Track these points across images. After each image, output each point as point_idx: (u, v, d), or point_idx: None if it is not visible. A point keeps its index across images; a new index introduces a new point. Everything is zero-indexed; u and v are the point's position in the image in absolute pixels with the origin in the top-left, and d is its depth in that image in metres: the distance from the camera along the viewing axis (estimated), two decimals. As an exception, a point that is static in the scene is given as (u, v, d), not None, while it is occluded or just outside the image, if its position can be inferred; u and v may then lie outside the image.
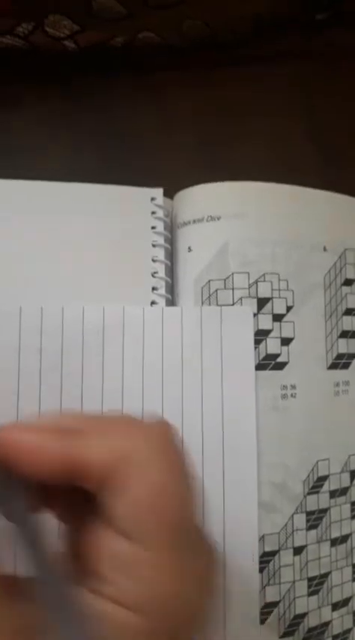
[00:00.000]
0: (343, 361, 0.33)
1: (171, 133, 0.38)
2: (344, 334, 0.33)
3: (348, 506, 0.33)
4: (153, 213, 0.33)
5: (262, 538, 0.30)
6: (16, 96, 0.36)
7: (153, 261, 0.32)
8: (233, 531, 0.29)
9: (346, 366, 0.33)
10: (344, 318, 0.33)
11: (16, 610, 0.17)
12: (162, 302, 0.32)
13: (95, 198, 0.32)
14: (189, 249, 0.32)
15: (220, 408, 0.30)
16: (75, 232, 0.32)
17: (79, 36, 0.36)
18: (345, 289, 0.34)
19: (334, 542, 0.32)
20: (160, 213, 0.33)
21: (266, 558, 0.30)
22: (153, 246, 0.33)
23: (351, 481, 0.33)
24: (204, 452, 0.30)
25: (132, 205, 0.33)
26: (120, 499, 0.17)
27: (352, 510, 0.33)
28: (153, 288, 0.32)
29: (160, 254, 0.33)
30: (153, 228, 0.33)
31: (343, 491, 0.32)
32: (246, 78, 0.40)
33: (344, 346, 0.33)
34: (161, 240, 0.33)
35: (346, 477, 0.33)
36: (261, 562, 0.30)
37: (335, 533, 0.32)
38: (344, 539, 0.32)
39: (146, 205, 0.33)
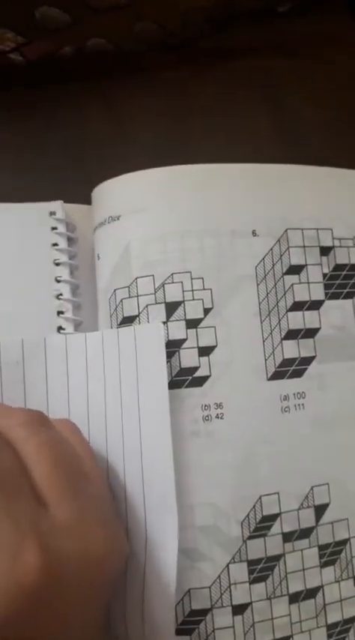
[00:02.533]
0: (292, 368, 0.26)
1: (126, 138, 0.35)
2: (293, 334, 0.27)
3: (314, 551, 0.26)
4: (53, 228, 0.30)
5: (188, 593, 0.25)
6: None
7: (57, 281, 0.29)
8: (152, 580, 0.24)
9: (298, 373, 0.27)
10: (291, 314, 0.27)
11: None
12: (69, 326, 0.29)
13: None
14: (98, 257, 0.29)
15: (138, 438, 0.25)
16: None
17: (26, 48, 0.35)
18: (290, 279, 0.27)
19: (295, 599, 0.25)
20: (62, 228, 0.30)
21: (194, 618, 0.24)
22: (57, 264, 0.29)
23: (317, 520, 0.26)
24: (126, 492, 0.25)
25: (29, 222, 0.30)
26: None
27: (321, 557, 0.26)
28: (59, 312, 0.29)
29: (64, 273, 0.29)
30: (54, 245, 0.30)
31: (304, 533, 0.26)
32: (206, 76, 0.36)
33: (293, 350, 0.27)
34: (64, 258, 0.29)
35: (308, 514, 0.26)
36: (187, 622, 0.24)
37: (296, 587, 0.25)
38: (310, 593, 0.25)
39: (45, 221, 0.30)
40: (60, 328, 0.29)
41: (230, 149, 0.33)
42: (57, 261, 0.30)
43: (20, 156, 0.34)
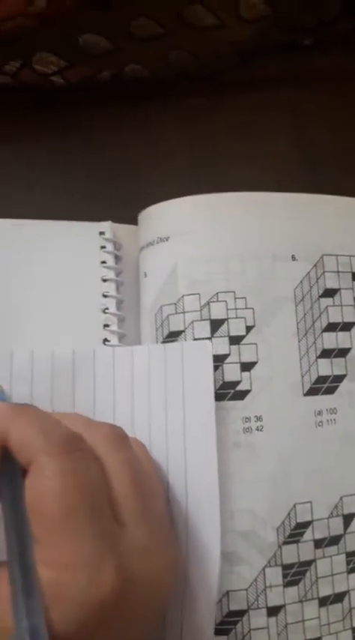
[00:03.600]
0: (326, 385, 0.28)
1: (160, 161, 0.37)
2: (326, 353, 0.29)
3: (342, 557, 0.27)
4: (102, 247, 0.31)
5: (226, 595, 0.26)
6: (4, 129, 0.37)
7: (104, 296, 0.31)
8: (193, 583, 0.26)
9: (331, 390, 0.28)
10: (325, 335, 0.29)
11: None
12: (114, 339, 0.30)
13: (43, 235, 0.32)
14: (145, 275, 0.30)
15: (183, 451, 0.27)
16: (22, 270, 0.31)
17: (67, 72, 0.37)
18: (325, 301, 0.29)
19: (324, 602, 0.27)
20: (110, 247, 0.31)
21: (232, 619, 0.26)
22: (104, 280, 0.31)
23: (345, 528, 0.28)
24: (169, 498, 0.27)
25: (80, 241, 0.32)
26: (26, 487, 0.20)
27: (348, 563, 0.27)
28: (105, 325, 0.30)
29: (111, 289, 0.31)
30: (103, 262, 0.31)
31: (334, 540, 0.27)
32: (233, 104, 0.38)
33: (326, 368, 0.29)
34: (111, 275, 0.31)
35: (337, 523, 0.28)
36: (225, 623, 0.26)
37: (326, 591, 0.27)
38: (338, 597, 0.27)
39: (94, 240, 0.32)
40: (105, 340, 0.31)
41: (256, 174, 0.35)
42: (104, 278, 0.31)
43: (60, 174, 0.36)
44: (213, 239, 0.29)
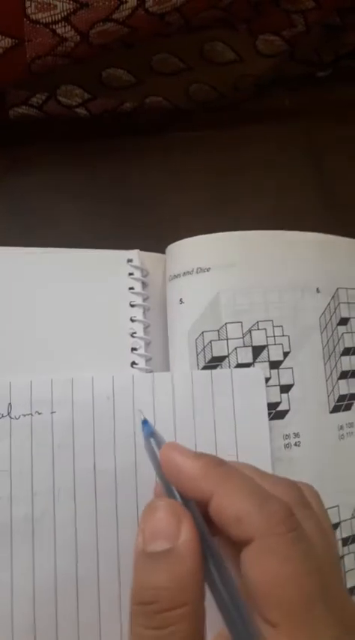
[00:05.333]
0: (345, 403, 0.32)
1: (182, 192, 0.38)
2: (344, 375, 0.33)
3: (363, 552, 0.32)
4: (130, 274, 0.33)
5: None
6: (28, 160, 0.36)
7: (132, 321, 0.32)
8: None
9: (348, 407, 0.33)
10: (343, 358, 0.33)
11: None
12: (141, 362, 0.32)
13: (73, 263, 0.32)
14: (181, 302, 0.32)
15: None
16: (53, 296, 0.32)
17: (90, 104, 0.37)
18: (341, 329, 0.33)
19: (351, 592, 0.31)
20: (138, 274, 0.33)
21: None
22: (132, 306, 0.32)
23: (364, 526, 0.32)
24: None
25: (109, 268, 0.33)
26: (247, 569, 0.19)
27: (367, 557, 0.32)
28: (133, 349, 0.32)
29: (139, 314, 0.32)
30: (131, 289, 0.33)
31: (356, 538, 0.31)
32: (253, 135, 0.40)
33: (345, 387, 0.33)
34: (139, 300, 0.33)
35: (358, 522, 0.32)
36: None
37: (351, 583, 0.31)
38: (361, 587, 0.31)
39: (123, 267, 0.33)
40: (133, 363, 0.32)
41: (273, 205, 0.38)
42: (132, 303, 0.33)
43: (81, 202, 0.37)
44: (252, 272, 0.32)
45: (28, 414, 0.28)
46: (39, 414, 0.28)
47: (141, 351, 0.32)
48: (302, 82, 0.41)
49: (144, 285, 0.34)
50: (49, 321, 0.31)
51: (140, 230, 0.36)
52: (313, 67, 0.41)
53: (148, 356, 0.32)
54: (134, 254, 0.34)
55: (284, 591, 0.19)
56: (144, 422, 0.25)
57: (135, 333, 0.32)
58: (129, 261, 0.34)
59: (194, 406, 0.30)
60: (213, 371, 0.30)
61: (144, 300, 0.33)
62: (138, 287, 0.33)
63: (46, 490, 0.27)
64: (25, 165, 0.36)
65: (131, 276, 0.33)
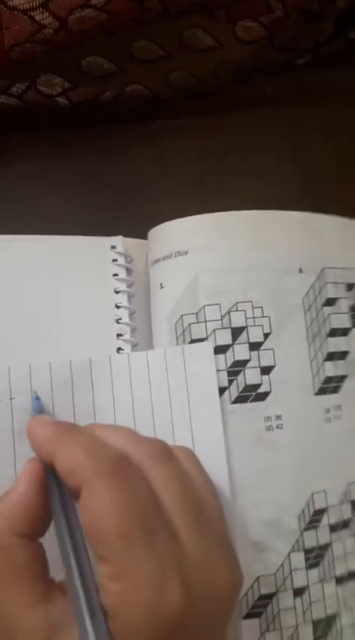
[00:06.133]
0: (332, 385, 0.32)
1: (166, 177, 0.38)
2: (331, 356, 0.32)
3: (353, 540, 0.30)
4: (114, 260, 0.33)
5: (257, 580, 0.28)
6: (14, 150, 0.37)
7: (117, 307, 0.32)
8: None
9: (336, 389, 0.32)
10: (329, 339, 0.32)
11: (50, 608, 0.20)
12: (127, 347, 0.32)
13: (55, 249, 0.33)
14: (161, 286, 0.32)
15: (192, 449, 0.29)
16: (37, 284, 0.32)
17: (71, 93, 0.37)
18: (327, 309, 0.32)
19: (340, 581, 0.30)
20: (121, 260, 0.33)
21: (262, 602, 0.28)
22: (116, 292, 0.33)
23: (353, 512, 0.31)
24: None
25: (93, 255, 0.33)
26: (80, 515, 0.21)
27: (358, 544, 0.31)
28: (118, 335, 0.32)
29: (123, 300, 0.33)
30: (115, 275, 0.33)
31: (345, 524, 0.30)
32: (234, 121, 0.40)
33: (331, 369, 0.32)
34: (123, 286, 0.33)
35: (347, 508, 0.31)
36: (257, 606, 0.28)
37: (341, 570, 0.30)
38: (352, 575, 0.30)
39: (106, 254, 0.33)
40: (119, 349, 0.32)
41: (257, 190, 0.38)
42: (117, 289, 0.33)
43: (69, 190, 0.37)
44: (230, 253, 0.31)
45: None
46: None
47: (127, 337, 0.32)
48: (283, 68, 0.41)
49: (128, 271, 0.34)
50: (33, 309, 0.32)
51: (126, 217, 0.36)
52: (292, 53, 0.41)
53: (134, 342, 0.33)
54: (118, 240, 0.34)
55: (106, 526, 0.20)
56: (36, 398, 0.28)
57: (120, 319, 0.33)
58: (113, 247, 0.34)
59: (150, 386, 0.30)
60: (166, 349, 0.30)
61: (129, 286, 0.33)
62: (122, 273, 0.33)
63: (8, 477, 0.28)
64: (11, 156, 0.36)
65: (115, 263, 0.33)
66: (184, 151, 0.39)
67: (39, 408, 0.28)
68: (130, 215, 0.36)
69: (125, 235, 0.34)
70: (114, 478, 0.21)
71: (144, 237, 0.34)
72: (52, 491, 0.23)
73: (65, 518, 0.22)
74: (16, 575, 0.21)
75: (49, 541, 0.23)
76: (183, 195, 0.37)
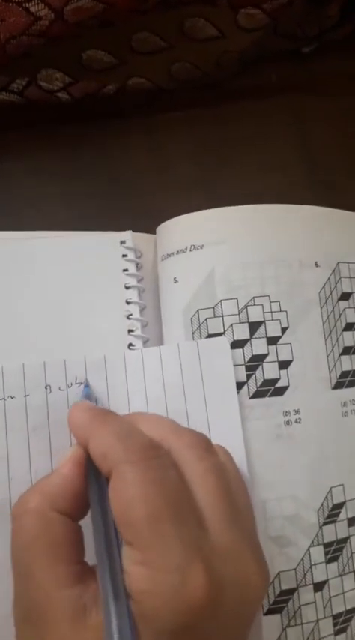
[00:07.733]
0: (348, 379, 0.31)
1: (167, 171, 0.38)
2: (347, 351, 0.32)
3: (370, 533, 0.30)
4: (124, 256, 0.33)
5: (278, 576, 0.28)
6: (11, 145, 0.37)
7: (128, 303, 0.32)
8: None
9: (352, 384, 0.32)
10: (345, 334, 0.32)
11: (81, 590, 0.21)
12: (138, 343, 0.31)
13: (65, 246, 0.32)
14: (175, 280, 0.32)
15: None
16: (47, 281, 0.32)
17: (72, 87, 0.37)
18: (343, 304, 0.32)
19: (359, 575, 0.30)
20: (131, 255, 0.33)
21: (283, 597, 0.28)
22: (127, 288, 0.32)
23: (371, 506, 0.31)
24: None
25: (102, 250, 0.33)
26: (111, 499, 0.21)
27: (375, 537, 0.31)
28: (129, 331, 0.31)
29: (134, 295, 0.32)
30: (125, 270, 0.32)
31: (363, 518, 0.30)
32: (238, 112, 0.40)
33: (347, 363, 0.32)
34: (134, 282, 0.32)
35: (365, 501, 0.31)
36: (278, 602, 0.28)
37: (359, 564, 0.30)
38: (369, 569, 0.30)
39: (116, 249, 0.33)
40: (130, 345, 0.32)
41: (261, 181, 0.38)
42: (127, 285, 0.33)
43: (68, 185, 0.36)
44: (247, 247, 0.31)
45: (1, 399, 0.28)
46: (12, 398, 0.28)
47: (138, 332, 0.32)
48: (287, 56, 0.40)
49: (138, 266, 0.33)
50: (43, 306, 0.32)
51: (127, 211, 0.36)
52: (298, 42, 0.40)
53: (145, 337, 0.32)
54: (127, 235, 0.33)
55: (133, 511, 0.20)
56: (86, 386, 0.28)
57: (131, 315, 0.32)
58: (122, 242, 0.33)
59: (164, 382, 0.29)
60: (180, 344, 0.29)
61: (139, 281, 0.33)
62: (132, 268, 0.33)
63: (22, 474, 0.27)
64: (8, 152, 0.36)
65: (125, 258, 0.33)
66: (185, 144, 0.38)
67: (86, 395, 0.28)
68: (130, 209, 0.36)
69: (125, 230, 0.34)
70: (144, 465, 0.21)
71: (145, 231, 0.34)
72: (90, 475, 0.23)
73: (98, 503, 0.22)
74: (53, 552, 0.21)
75: (89, 526, 0.23)
76: (184, 189, 0.37)
